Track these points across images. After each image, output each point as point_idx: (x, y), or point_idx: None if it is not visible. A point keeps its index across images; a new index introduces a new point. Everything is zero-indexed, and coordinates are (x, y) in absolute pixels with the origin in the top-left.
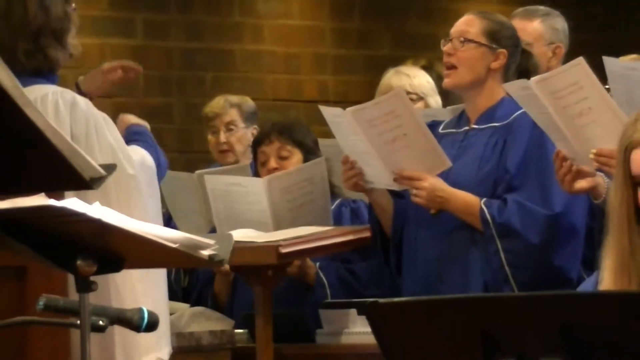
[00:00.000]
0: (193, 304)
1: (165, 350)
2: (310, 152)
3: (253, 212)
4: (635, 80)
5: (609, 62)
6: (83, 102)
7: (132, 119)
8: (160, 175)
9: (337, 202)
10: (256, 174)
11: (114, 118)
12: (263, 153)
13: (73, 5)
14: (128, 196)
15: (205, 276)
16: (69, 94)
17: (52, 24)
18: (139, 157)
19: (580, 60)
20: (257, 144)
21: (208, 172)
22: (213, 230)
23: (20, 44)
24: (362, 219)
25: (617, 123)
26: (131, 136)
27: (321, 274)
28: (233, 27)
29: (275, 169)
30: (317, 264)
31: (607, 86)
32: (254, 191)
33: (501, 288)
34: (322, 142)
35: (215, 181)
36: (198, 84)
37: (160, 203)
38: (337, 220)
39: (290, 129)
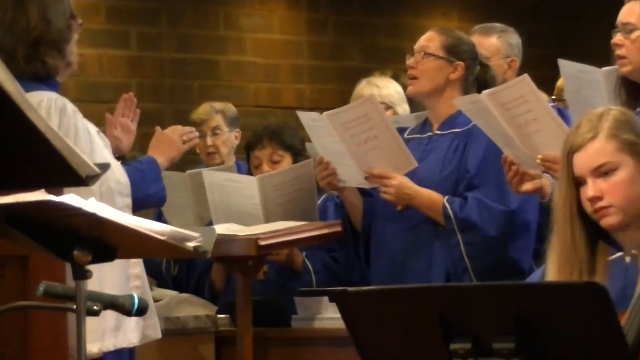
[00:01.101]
0: (191, 291)
1: (133, 335)
2: (298, 154)
3: (247, 205)
4: (585, 82)
5: (563, 64)
6: (71, 109)
7: (166, 150)
8: (141, 204)
9: (323, 197)
10: (248, 174)
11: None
12: (256, 157)
13: (79, 21)
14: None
15: (203, 265)
16: (61, 101)
17: (52, 34)
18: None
19: (525, 77)
20: (250, 148)
21: (203, 171)
22: (209, 223)
23: (20, 50)
24: None
25: (559, 131)
26: (131, 160)
27: (307, 262)
28: (219, 40)
29: (265, 172)
30: (304, 252)
31: (552, 96)
32: (248, 187)
33: (461, 277)
34: None
35: (213, 176)
36: (187, 92)
37: None
38: (323, 213)
39: (280, 133)
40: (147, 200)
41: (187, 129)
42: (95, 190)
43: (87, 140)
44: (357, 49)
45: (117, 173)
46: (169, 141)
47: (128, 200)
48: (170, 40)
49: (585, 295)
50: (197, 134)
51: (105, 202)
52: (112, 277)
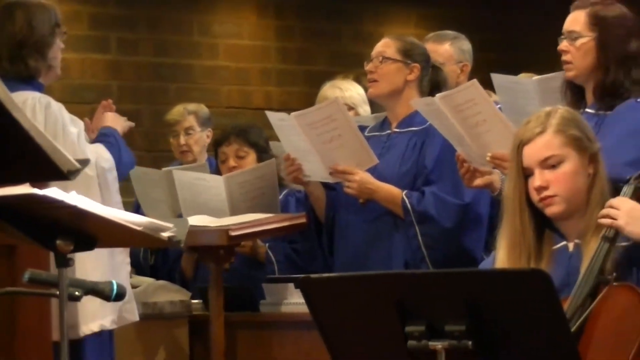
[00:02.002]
0: (165, 278)
1: (109, 319)
2: (263, 152)
3: (214, 201)
4: (518, 92)
5: (495, 77)
6: (56, 106)
7: (107, 120)
8: (121, 172)
9: (284, 192)
10: (217, 169)
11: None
12: (223, 153)
13: (64, 30)
14: (85, 192)
15: (174, 255)
16: (45, 99)
17: (35, 38)
18: (94, 158)
19: (474, 82)
20: (218, 144)
21: (173, 169)
22: (180, 215)
23: (5, 51)
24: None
25: (507, 132)
26: (99, 137)
27: (270, 253)
28: (193, 46)
29: (233, 167)
30: (267, 244)
31: None
32: (215, 185)
33: (419, 266)
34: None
35: (183, 175)
36: (163, 94)
37: (115, 192)
38: (285, 207)
39: (246, 132)
40: (124, 168)
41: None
42: (93, 174)
43: (75, 130)
44: (322, 54)
45: (101, 152)
46: (116, 117)
47: (115, 173)
48: (148, 45)
49: (530, 281)
50: (131, 123)
51: (100, 181)
52: (101, 264)
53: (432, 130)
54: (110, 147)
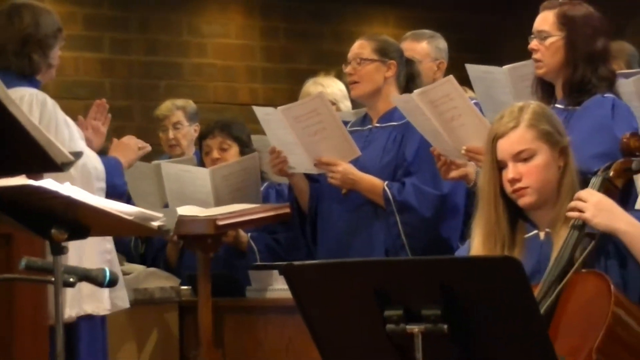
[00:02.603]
0: (149, 266)
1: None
2: (245, 146)
3: (199, 193)
4: (491, 81)
5: (470, 68)
6: (51, 103)
7: (118, 150)
8: (111, 190)
9: (265, 184)
10: (201, 161)
11: None
12: (207, 145)
13: (64, 35)
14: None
15: (159, 243)
16: (42, 96)
17: (40, 36)
18: (82, 161)
19: (450, 77)
20: (202, 137)
21: (161, 162)
22: (166, 206)
23: (11, 46)
24: (285, 199)
25: (481, 125)
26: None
27: (252, 243)
28: (182, 45)
29: (217, 159)
30: (249, 234)
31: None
32: (200, 177)
33: (399, 254)
34: (252, 137)
35: (170, 167)
36: (154, 90)
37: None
38: (265, 199)
39: (230, 126)
40: (113, 189)
41: (141, 141)
42: (77, 173)
43: (66, 131)
44: (304, 53)
45: (94, 161)
46: (127, 147)
47: (103, 184)
48: (139, 44)
49: (503, 268)
50: (149, 147)
51: (85, 183)
52: (90, 251)
53: (412, 125)
54: (105, 162)
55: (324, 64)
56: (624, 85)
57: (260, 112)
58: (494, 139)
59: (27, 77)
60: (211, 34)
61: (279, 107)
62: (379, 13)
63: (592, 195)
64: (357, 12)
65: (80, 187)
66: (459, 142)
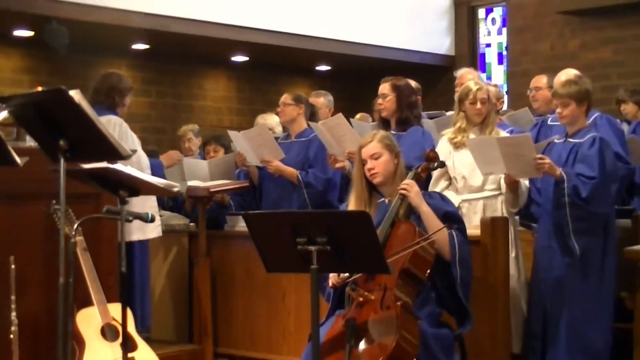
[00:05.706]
0: (173, 212)
1: (146, 233)
2: (227, 149)
3: (202, 174)
4: (337, 130)
5: (315, 126)
6: (125, 125)
7: (167, 160)
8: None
9: (237, 170)
10: (203, 158)
11: None
12: (206, 149)
13: (132, 89)
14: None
15: (180, 201)
16: (119, 120)
17: (120, 88)
18: (137, 158)
19: (339, 115)
20: (204, 145)
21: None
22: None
23: (103, 90)
24: (246, 178)
25: (355, 139)
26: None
27: (230, 201)
28: (193, 94)
29: (212, 156)
30: (229, 196)
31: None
32: (202, 166)
33: (306, 208)
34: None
35: (187, 161)
36: (177, 119)
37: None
38: (237, 177)
39: (219, 139)
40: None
41: (179, 154)
42: (133, 162)
43: (130, 140)
44: (259, 101)
45: (145, 160)
46: (169, 156)
47: (148, 171)
48: (170, 93)
49: (358, 219)
50: (182, 157)
51: (138, 168)
52: (145, 204)
53: (314, 139)
54: (152, 164)
55: (268, 107)
56: (426, 123)
57: (232, 133)
58: (360, 147)
59: (112, 109)
60: (209, 88)
61: (241, 131)
62: (300, 81)
63: (414, 186)
64: (289, 80)
65: (135, 169)
66: (344, 148)
